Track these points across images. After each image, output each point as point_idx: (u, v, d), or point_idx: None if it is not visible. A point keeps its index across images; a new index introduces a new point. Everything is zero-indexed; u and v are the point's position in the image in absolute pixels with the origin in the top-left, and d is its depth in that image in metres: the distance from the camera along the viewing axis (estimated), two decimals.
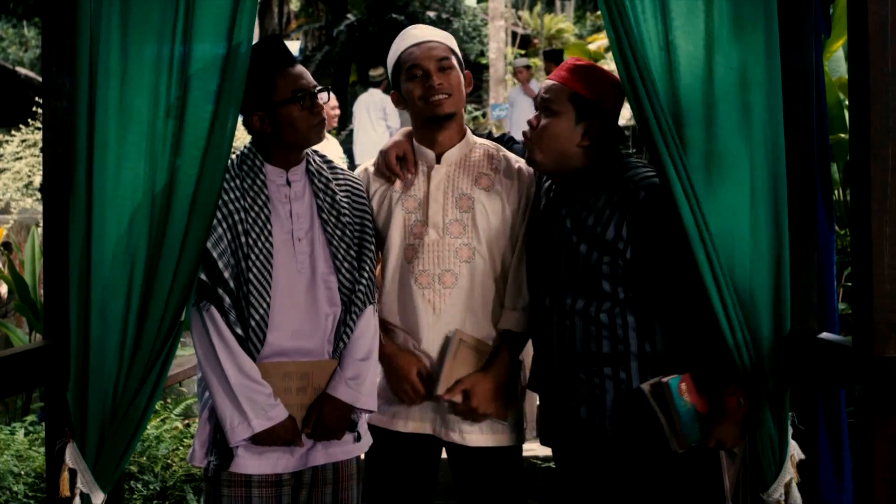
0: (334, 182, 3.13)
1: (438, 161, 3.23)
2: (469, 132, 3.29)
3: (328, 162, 3.19)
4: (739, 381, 2.70)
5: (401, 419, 3.20)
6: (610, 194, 2.95)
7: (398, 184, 3.25)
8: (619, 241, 2.89)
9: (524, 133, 3.11)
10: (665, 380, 2.80)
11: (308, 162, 3.11)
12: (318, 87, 3.03)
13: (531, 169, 3.25)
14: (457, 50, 3.22)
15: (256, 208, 2.96)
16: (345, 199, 3.12)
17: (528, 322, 3.15)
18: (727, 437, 2.80)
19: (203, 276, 2.85)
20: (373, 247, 3.12)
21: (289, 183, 3.05)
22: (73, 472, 2.67)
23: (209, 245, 2.83)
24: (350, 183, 3.18)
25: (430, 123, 3.21)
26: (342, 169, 3.22)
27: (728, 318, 2.64)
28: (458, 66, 3.19)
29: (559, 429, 3.06)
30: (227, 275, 2.87)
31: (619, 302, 2.92)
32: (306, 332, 2.99)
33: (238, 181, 2.96)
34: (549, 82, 3.06)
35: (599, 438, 2.95)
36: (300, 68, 3.02)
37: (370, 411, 3.12)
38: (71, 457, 2.66)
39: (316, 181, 3.09)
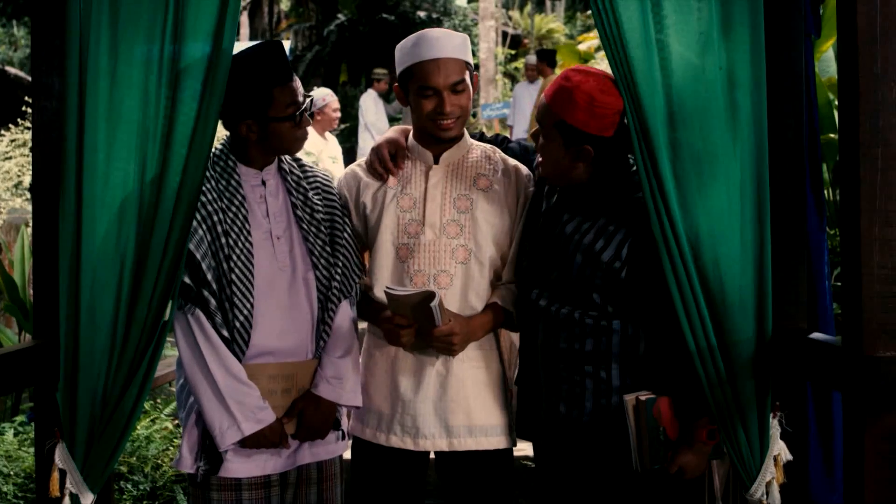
0: (305, 180, 3.15)
1: (436, 161, 3.22)
2: (466, 133, 3.27)
3: (297, 160, 3.21)
4: (710, 411, 2.70)
5: (382, 433, 3.18)
6: (613, 212, 2.94)
7: (392, 181, 3.22)
8: (617, 261, 2.89)
9: (534, 147, 3.12)
10: (643, 398, 2.81)
11: (279, 160, 3.13)
12: (307, 97, 3.04)
13: (527, 170, 3.27)
14: (469, 58, 3.14)
15: (234, 208, 2.96)
16: (316, 197, 3.13)
17: (516, 310, 3.16)
18: (690, 466, 2.83)
19: (187, 280, 2.84)
20: (345, 242, 3.12)
21: (263, 183, 3.06)
22: (62, 473, 2.66)
23: (192, 247, 2.83)
24: (319, 180, 3.19)
25: (431, 138, 3.19)
26: (310, 167, 3.24)
27: (691, 323, 2.64)
28: (469, 82, 3.13)
29: (539, 423, 3.08)
30: (210, 276, 2.87)
31: (607, 314, 2.93)
32: (290, 330, 3.00)
33: (213, 182, 2.96)
34: (542, 101, 3.00)
35: (578, 435, 2.97)
36: (296, 82, 3.02)
37: (356, 407, 3.13)
38: (60, 457, 2.66)
39: (289, 179, 3.11)
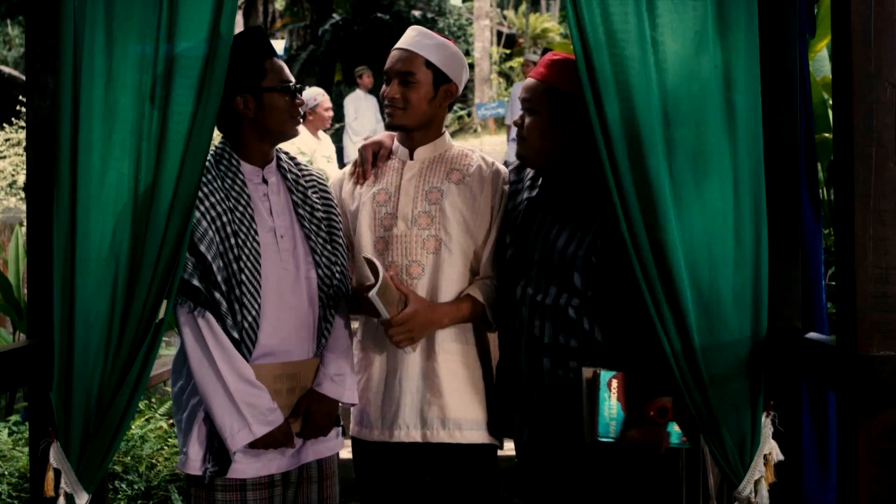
0: (302, 178, 3.19)
1: (412, 157, 3.29)
2: (447, 135, 3.35)
3: (293, 159, 3.25)
4: (671, 392, 2.71)
5: (366, 428, 3.25)
6: (594, 194, 2.96)
7: (372, 178, 3.32)
8: (596, 244, 2.92)
9: (517, 133, 3.14)
10: (598, 371, 2.83)
11: (278, 159, 3.16)
12: (298, 85, 3.10)
13: (505, 169, 3.33)
14: (439, 61, 3.23)
15: (241, 208, 2.97)
16: (315, 195, 3.17)
17: (494, 306, 3.19)
18: (640, 441, 2.83)
19: (196, 282, 2.85)
20: (341, 240, 3.17)
21: (265, 181, 3.07)
22: (57, 473, 2.65)
23: (203, 249, 2.84)
24: (315, 178, 3.24)
25: (395, 130, 3.33)
26: (306, 165, 3.28)
27: (665, 326, 2.62)
28: (427, 82, 3.22)
29: (520, 419, 3.09)
30: (220, 278, 2.87)
31: (588, 300, 2.94)
32: (293, 329, 3.02)
33: (219, 182, 2.97)
34: (529, 80, 3.09)
35: (558, 431, 2.97)
36: (282, 61, 3.08)
37: (353, 404, 3.17)
38: (55, 457, 2.65)
39: (288, 177, 3.14)
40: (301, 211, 3.10)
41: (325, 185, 3.26)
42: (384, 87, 3.28)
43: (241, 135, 3.05)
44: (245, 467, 2.96)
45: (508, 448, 3.29)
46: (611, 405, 2.82)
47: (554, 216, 3.02)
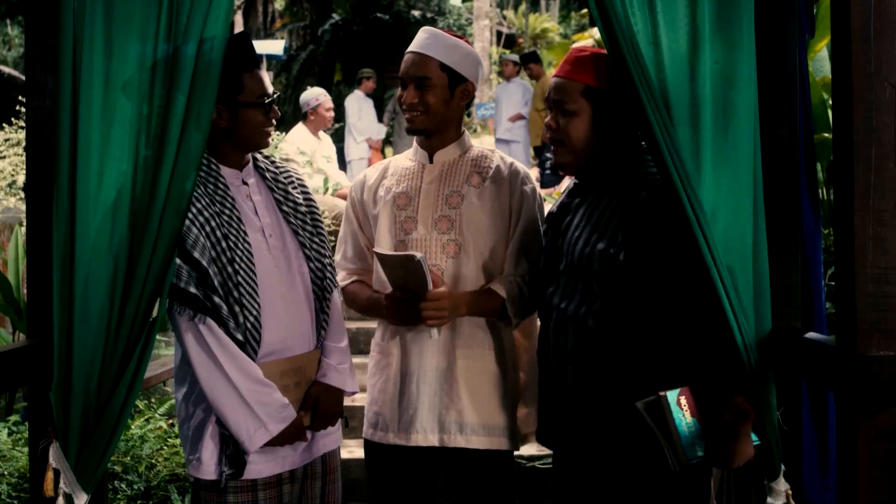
0: (281, 175, 3.21)
1: (431, 161, 3.29)
2: (466, 135, 3.33)
3: (268, 157, 3.27)
4: (742, 389, 2.64)
5: (381, 431, 3.26)
6: (615, 194, 2.92)
7: (392, 180, 3.32)
8: (615, 243, 2.84)
9: (548, 136, 3.09)
10: (662, 393, 2.65)
11: (255, 159, 3.17)
12: (276, 94, 3.10)
13: (525, 168, 3.29)
14: (453, 62, 3.23)
15: (227, 212, 2.98)
16: (295, 191, 3.19)
17: (525, 305, 3.19)
18: (730, 454, 2.65)
19: (193, 289, 2.85)
20: (325, 233, 3.20)
21: (245, 183, 3.09)
22: (56, 472, 2.65)
23: (197, 255, 2.85)
24: (292, 174, 3.26)
25: (413, 133, 3.32)
26: (281, 162, 3.30)
27: (735, 316, 2.59)
28: (443, 84, 3.22)
29: (551, 429, 3.06)
30: (216, 283, 2.87)
31: (610, 306, 2.85)
32: (293, 324, 3.04)
33: (202, 188, 2.97)
34: (557, 79, 2.99)
35: (585, 442, 2.93)
36: (263, 72, 3.08)
37: (354, 393, 3.20)
38: (54, 457, 2.65)
39: (267, 176, 3.16)
40: (285, 208, 3.13)
41: (303, 180, 3.28)
42: (399, 91, 3.28)
43: (217, 141, 3.04)
44: (260, 467, 2.98)
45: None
46: (688, 423, 2.65)
47: (579, 220, 2.98)
